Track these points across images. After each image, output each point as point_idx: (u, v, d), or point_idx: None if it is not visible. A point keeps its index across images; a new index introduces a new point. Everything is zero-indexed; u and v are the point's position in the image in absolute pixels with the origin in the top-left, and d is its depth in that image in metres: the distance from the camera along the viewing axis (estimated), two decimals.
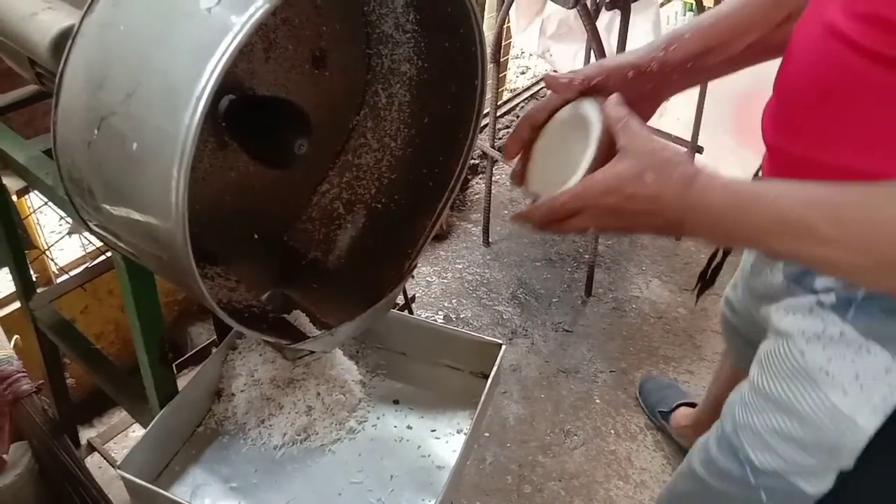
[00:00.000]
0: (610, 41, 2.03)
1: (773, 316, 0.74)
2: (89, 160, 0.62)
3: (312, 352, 0.89)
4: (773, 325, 0.74)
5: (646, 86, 0.72)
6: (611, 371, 1.86)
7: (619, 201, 0.60)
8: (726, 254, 0.97)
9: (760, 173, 0.81)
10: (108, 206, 0.63)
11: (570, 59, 2.44)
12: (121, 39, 0.59)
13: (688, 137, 2.01)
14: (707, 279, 1.01)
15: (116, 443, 1.54)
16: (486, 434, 1.67)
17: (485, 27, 2.39)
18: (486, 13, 2.30)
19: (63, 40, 0.72)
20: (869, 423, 0.66)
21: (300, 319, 0.85)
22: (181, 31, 0.57)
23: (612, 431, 1.71)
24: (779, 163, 0.71)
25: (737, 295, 0.99)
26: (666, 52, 0.73)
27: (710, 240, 0.67)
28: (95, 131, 0.60)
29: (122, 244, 0.69)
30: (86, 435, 1.53)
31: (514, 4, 1.88)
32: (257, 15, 0.54)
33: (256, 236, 0.91)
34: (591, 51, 2.19)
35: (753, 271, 0.84)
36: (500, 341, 0.98)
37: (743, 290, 0.97)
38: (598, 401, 1.78)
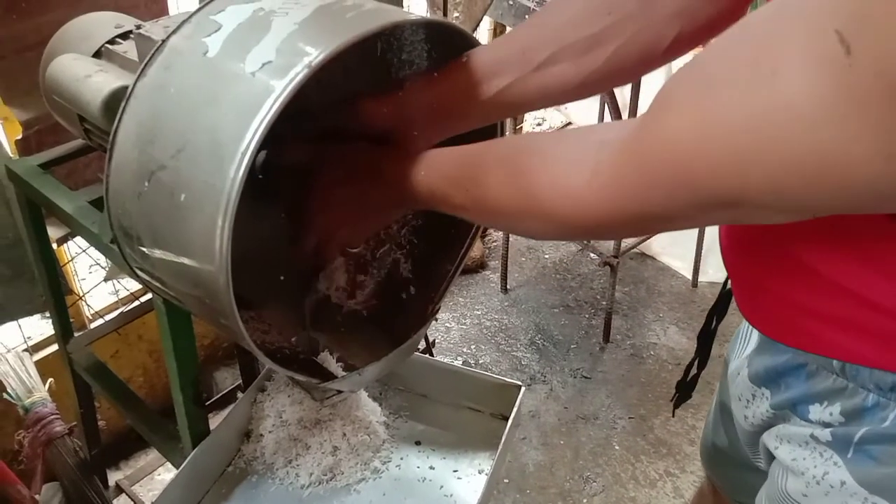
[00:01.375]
0: (623, 91, 2.10)
1: (767, 443, 0.67)
2: (139, 210, 0.67)
3: (339, 392, 0.93)
4: (770, 452, 0.67)
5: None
6: (629, 417, 1.87)
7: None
8: (702, 366, 0.89)
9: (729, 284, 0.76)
10: (154, 252, 0.68)
11: (584, 108, 2.48)
12: (171, 100, 0.65)
13: None
14: (683, 393, 0.93)
15: (142, 485, 1.57)
16: (506, 480, 1.69)
17: None
18: None
19: (114, 100, 0.78)
20: None
21: (328, 360, 0.88)
22: (227, 93, 0.62)
23: (632, 478, 1.71)
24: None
25: (720, 437, 0.88)
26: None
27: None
28: (146, 184, 0.65)
29: (164, 287, 0.74)
30: (114, 477, 1.56)
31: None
32: (297, 79, 0.59)
33: (282, 280, 0.95)
34: (605, 103, 2.25)
35: (735, 404, 0.74)
36: (519, 383, 1.01)
37: (721, 428, 0.87)
38: (617, 447, 1.79)
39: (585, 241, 2.29)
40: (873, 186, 0.36)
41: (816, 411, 0.59)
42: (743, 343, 0.73)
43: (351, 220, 0.75)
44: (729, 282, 0.77)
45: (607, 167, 0.49)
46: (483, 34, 2.34)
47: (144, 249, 0.69)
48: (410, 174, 0.66)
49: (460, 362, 2.01)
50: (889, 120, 0.34)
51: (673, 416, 0.99)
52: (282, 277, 0.93)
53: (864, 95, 0.34)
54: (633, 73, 0.69)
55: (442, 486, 0.97)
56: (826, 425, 0.58)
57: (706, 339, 0.86)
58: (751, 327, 0.69)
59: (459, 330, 2.12)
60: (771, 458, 0.68)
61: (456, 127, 0.75)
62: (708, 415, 0.94)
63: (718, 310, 0.84)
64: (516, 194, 0.56)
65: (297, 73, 0.60)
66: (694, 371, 0.91)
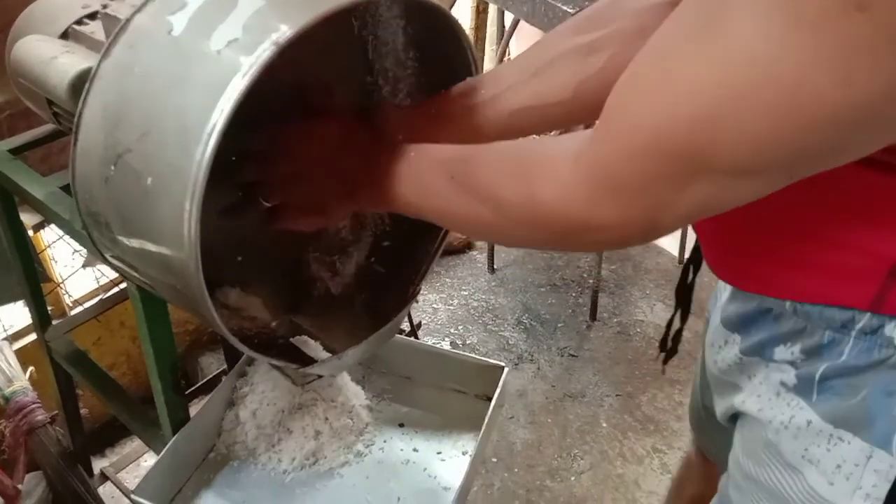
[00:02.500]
0: None
1: (735, 403, 0.68)
2: (106, 195, 0.65)
3: (320, 376, 0.92)
4: (739, 411, 0.68)
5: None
6: (617, 395, 1.87)
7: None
8: (683, 320, 0.91)
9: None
10: (124, 239, 0.67)
11: None
12: (136, 81, 0.63)
13: None
14: (669, 348, 0.95)
15: (128, 472, 1.56)
16: (494, 459, 1.69)
17: (486, 59, 2.43)
18: (486, 45, 2.36)
19: (81, 82, 0.75)
20: None
21: (308, 343, 0.87)
22: (193, 73, 0.60)
23: (619, 455, 1.72)
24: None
25: (707, 397, 0.88)
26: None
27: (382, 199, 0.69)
28: (112, 168, 0.64)
29: (137, 274, 0.73)
30: (98, 465, 1.55)
31: (514, 36, 1.93)
32: (265, 56, 0.58)
33: (259, 264, 0.93)
34: None
35: (708, 350, 0.76)
36: (503, 364, 1.00)
37: (708, 388, 0.86)
38: (604, 425, 1.79)
39: None
40: (836, 119, 0.38)
41: (780, 351, 0.61)
42: (720, 296, 0.75)
43: (310, 176, 0.73)
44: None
45: (588, 151, 0.49)
46: (465, 12, 2.31)
47: (114, 236, 0.68)
48: (398, 156, 0.65)
49: (447, 343, 2.00)
50: (838, 39, 0.36)
51: (663, 373, 1.01)
52: (257, 264, 0.91)
53: (811, 19, 0.36)
54: None
55: (426, 468, 0.97)
56: (791, 364, 0.60)
57: (684, 292, 0.88)
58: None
59: (446, 311, 2.12)
60: (731, 420, 0.70)
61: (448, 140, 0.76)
62: (695, 378, 0.95)
63: (693, 263, 0.85)
64: (504, 179, 0.55)
65: (264, 51, 0.58)
66: (677, 325, 0.92)
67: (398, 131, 0.75)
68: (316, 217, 0.75)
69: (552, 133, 0.87)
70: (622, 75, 0.47)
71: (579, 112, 0.73)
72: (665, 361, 0.96)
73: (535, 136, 0.61)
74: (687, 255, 2.26)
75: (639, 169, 0.46)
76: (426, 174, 0.63)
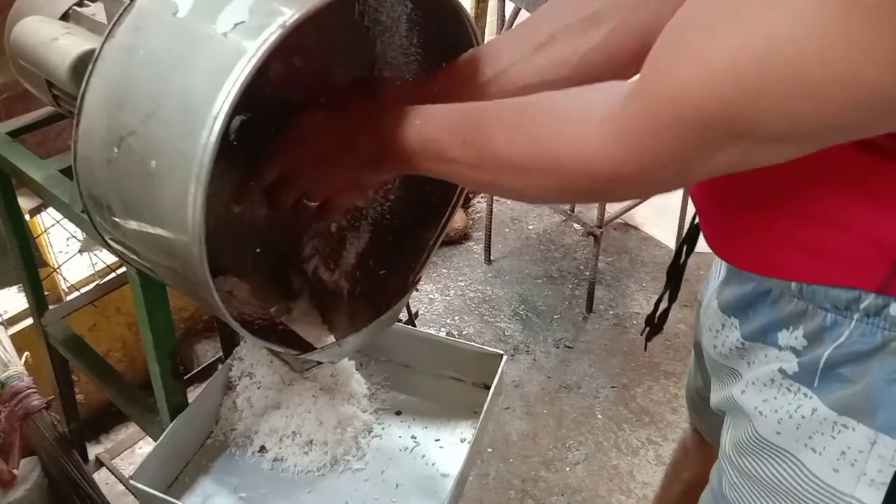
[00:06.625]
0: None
1: (735, 396, 0.67)
2: (109, 178, 0.65)
3: (319, 363, 0.92)
4: (737, 403, 0.67)
5: None
6: (612, 387, 1.87)
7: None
8: (672, 299, 0.90)
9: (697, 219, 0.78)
10: (126, 222, 0.66)
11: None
12: (141, 62, 0.62)
13: None
14: (655, 324, 0.94)
15: (123, 459, 1.56)
16: (490, 449, 1.69)
17: None
18: (486, 35, 2.35)
19: (81, 64, 0.75)
20: (872, 499, 0.57)
21: (307, 329, 0.87)
22: (199, 55, 0.60)
23: (614, 446, 1.72)
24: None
25: (699, 379, 0.91)
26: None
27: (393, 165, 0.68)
28: (115, 150, 0.63)
29: (137, 258, 0.72)
30: (94, 451, 1.55)
31: (514, 27, 1.93)
32: (270, 40, 0.57)
33: (259, 250, 0.93)
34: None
35: (706, 335, 0.74)
36: (501, 352, 1.01)
37: (698, 371, 0.89)
38: (599, 416, 1.80)
39: (570, 211, 2.28)
40: (883, 102, 0.38)
41: (784, 336, 0.61)
42: (714, 278, 0.75)
43: (325, 160, 0.71)
44: (697, 216, 0.77)
45: (617, 116, 0.49)
46: (465, 1, 2.30)
47: (116, 219, 0.67)
48: (404, 123, 0.64)
49: (444, 333, 2.00)
50: (891, 29, 0.35)
51: (645, 349, 1.01)
52: (258, 250, 0.91)
53: (872, 7, 0.35)
54: (632, 59, 0.68)
55: (424, 456, 0.97)
56: (794, 352, 0.60)
57: (676, 273, 0.87)
58: (721, 262, 0.71)
59: (443, 301, 2.12)
60: (739, 408, 0.69)
61: None
62: (691, 362, 0.95)
63: (688, 244, 0.85)
64: (522, 145, 0.55)
65: (271, 34, 0.57)
66: (665, 305, 0.91)
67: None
68: (348, 195, 0.76)
69: None
70: (657, 44, 0.47)
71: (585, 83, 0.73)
72: (648, 339, 0.95)
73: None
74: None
75: (671, 138, 0.46)
76: (441, 140, 0.62)
